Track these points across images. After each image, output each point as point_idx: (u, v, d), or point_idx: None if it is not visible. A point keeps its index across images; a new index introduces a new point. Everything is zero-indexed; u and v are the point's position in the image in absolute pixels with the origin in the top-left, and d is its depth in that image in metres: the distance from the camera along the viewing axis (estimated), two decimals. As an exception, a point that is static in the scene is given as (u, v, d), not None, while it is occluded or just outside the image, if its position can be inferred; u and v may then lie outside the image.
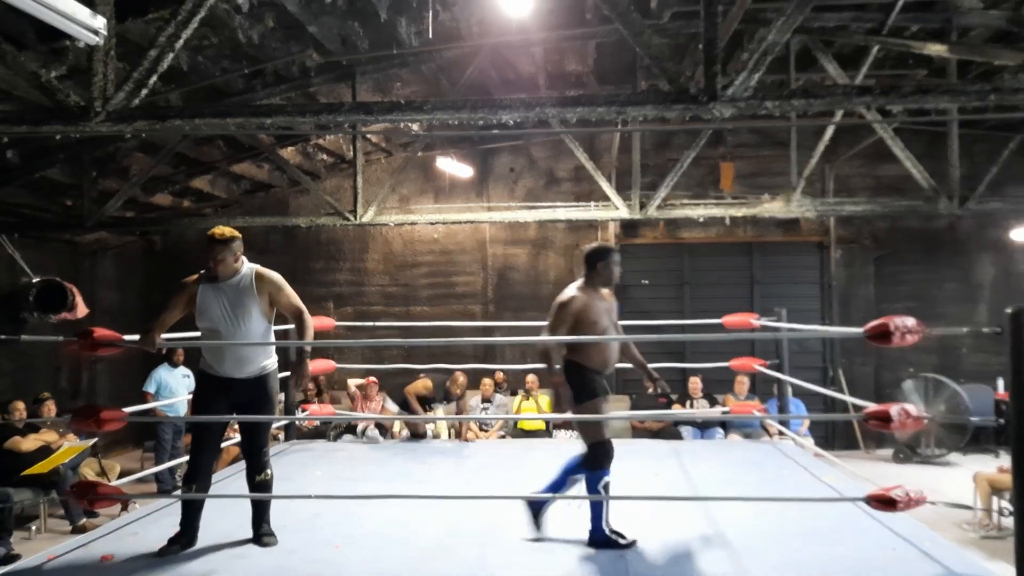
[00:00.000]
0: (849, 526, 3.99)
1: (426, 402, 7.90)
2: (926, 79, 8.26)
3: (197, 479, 3.77)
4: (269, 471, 3.90)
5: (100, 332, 3.73)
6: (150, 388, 7.93)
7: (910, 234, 10.32)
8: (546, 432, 8.39)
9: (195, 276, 3.84)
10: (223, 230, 3.77)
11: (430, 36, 6.61)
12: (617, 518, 3.85)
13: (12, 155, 7.24)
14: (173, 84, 6.62)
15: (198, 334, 3.89)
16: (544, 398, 8.75)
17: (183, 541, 3.72)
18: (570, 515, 3.99)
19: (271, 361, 3.89)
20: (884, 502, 3.42)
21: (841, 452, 9.02)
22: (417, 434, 7.15)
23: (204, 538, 3.83)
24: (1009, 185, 9.35)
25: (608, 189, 8.42)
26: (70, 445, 6.77)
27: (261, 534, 3.82)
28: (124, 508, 5.97)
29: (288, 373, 4.61)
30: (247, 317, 3.73)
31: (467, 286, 10.85)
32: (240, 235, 3.83)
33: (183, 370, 8.12)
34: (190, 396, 7.60)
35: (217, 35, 6.14)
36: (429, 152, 10.31)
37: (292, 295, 3.88)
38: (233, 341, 3.72)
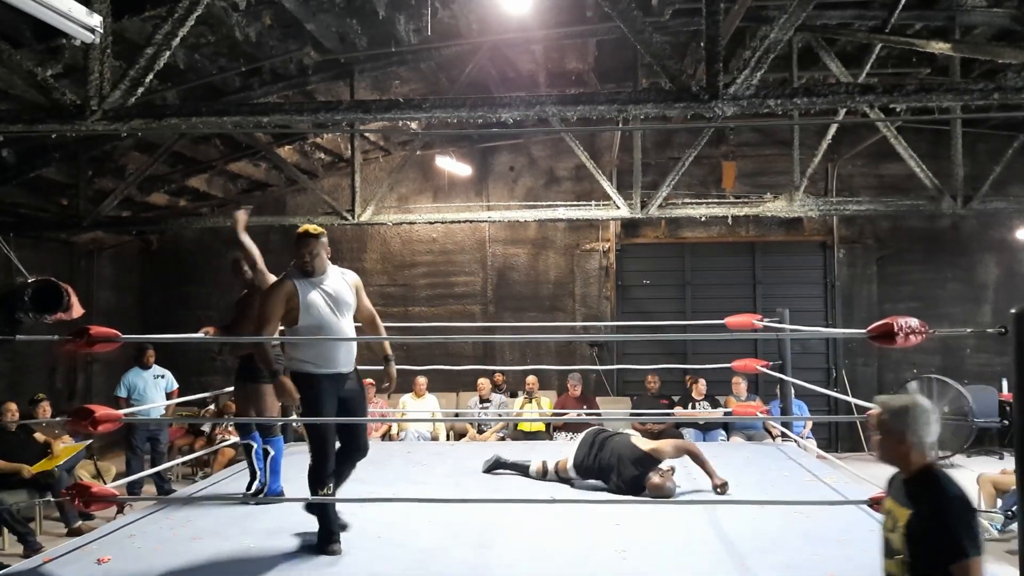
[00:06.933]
0: (852, 528, 3.96)
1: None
2: (929, 77, 8.21)
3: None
4: None
5: (96, 329, 3.70)
6: (120, 392, 7.57)
7: (913, 234, 10.26)
8: (546, 434, 8.33)
9: (280, 277, 3.77)
10: (314, 227, 3.77)
11: (429, 34, 6.59)
12: (618, 519, 3.84)
13: (8, 154, 7.21)
14: (170, 82, 6.58)
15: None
16: (545, 400, 8.68)
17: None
18: (568, 517, 3.95)
19: None
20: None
21: (844, 454, 8.96)
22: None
23: (202, 540, 3.81)
24: (1013, 184, 9.29)
25: (609, 188, 8.38)
26: (65, 446, 6.72)
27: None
28: (120, 510, 5.91)
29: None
30: (350, 311, 3.80)
31: (466, 286, 10.79)
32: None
33: (156, 371, 7.78)
34: (173, 397, 7.53)
35: (214, 33, 6.10)
36: (428, 151, 10.27)
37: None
38: (336, 336, 3.68)
